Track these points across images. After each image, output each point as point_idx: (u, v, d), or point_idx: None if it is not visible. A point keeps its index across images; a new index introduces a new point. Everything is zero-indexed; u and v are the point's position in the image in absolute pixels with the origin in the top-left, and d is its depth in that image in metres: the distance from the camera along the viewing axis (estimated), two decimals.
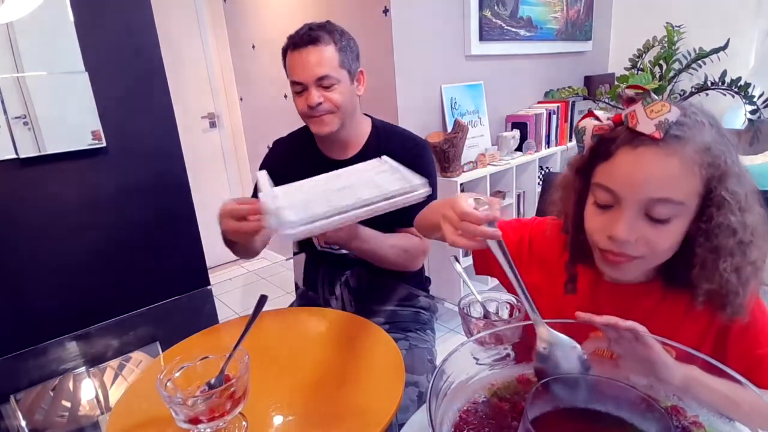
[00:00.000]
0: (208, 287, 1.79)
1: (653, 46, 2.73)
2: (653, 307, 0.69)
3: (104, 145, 1.58)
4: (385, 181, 0.91)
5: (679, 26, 2.62)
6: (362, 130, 1.26)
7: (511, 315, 0.70)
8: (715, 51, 2.48)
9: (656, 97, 0.58)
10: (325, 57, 1.11)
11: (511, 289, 0.78)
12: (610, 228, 0.61)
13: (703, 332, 0.67)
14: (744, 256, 0.60)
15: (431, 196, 1.21)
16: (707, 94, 2.53)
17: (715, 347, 0.66)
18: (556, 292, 0.76)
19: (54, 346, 1.03)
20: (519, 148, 2.54)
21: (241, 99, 3.27)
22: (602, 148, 0.62)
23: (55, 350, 1.03)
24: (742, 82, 2.38)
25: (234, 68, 3.22)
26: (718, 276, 0.60)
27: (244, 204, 0.90)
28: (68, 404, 0.88)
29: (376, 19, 2.04)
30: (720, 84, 2.45)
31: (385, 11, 2.00)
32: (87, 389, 0.93)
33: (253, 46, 2.95)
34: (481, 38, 2.32)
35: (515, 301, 0.70)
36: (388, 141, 1.25)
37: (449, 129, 2.24)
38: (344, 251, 1.26)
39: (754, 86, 2.41)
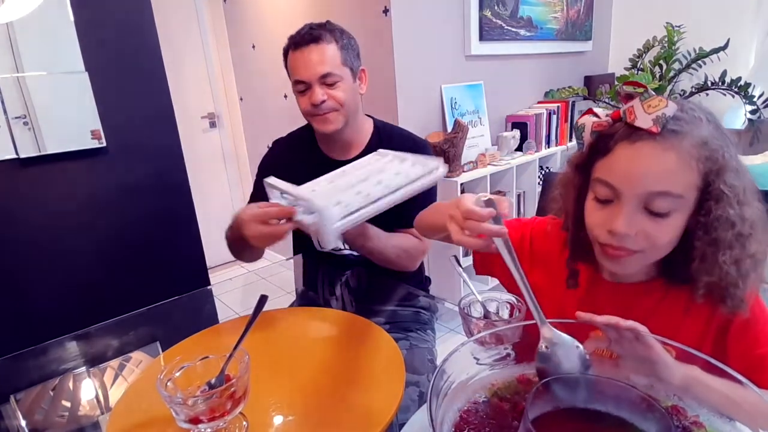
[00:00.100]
0: (208, 287, 1.79)
1: (653, 46, 2.73)
2: (653, 306, 0.69)
3: (104, 145, 1.58)
4: (400, 168, 0.92)
5: (679, 26, 2.62)
6: (364, 131, 1.27)
7: (511, 315, 0.70)
8: (715, 51, 2.48)
9: (653, 92, 0.59)
10: (327, 55, 1.11)
11: (511, 289, 0.78)
12: (610, 222, 0.61)
13: (703, 332, 0.67)
14: (743, 248, 0.61)
15: (431, 197, 1.22)
16: (707, 94, 2.53)
17: (715, 347, 0.67)
18: (556, 291, 0.76)
19: (54, 346, 1.03)
20: (519, 148, 2.54)
21: (241, 99, 3.27)
22: (601, 143, 0.63)
23: (55, 350, 1.03)
24: (742, 82, 2.38)
25: (234, 68, 3.22)
26: (718, 269, 0.61)
27: (272, 207, 0.90)
28: (68, 404, 0.88)
29: (376, 19, 2.04)
30: (720, 84, 2.45)
31: (385, 11, 2.00)
32: (87, 389, 0.93)
33: (253, 46, 2.95)
34: (481, 38, 2.32)
35: (515, 301, 0.70)
36: (389, 141, 1.25)
37: (449, 129, 2.24)
38: (344, 252, 1.26)
39: (754, 86, 2.41)
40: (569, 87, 2.80)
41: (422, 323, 1.22)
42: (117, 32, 1.57)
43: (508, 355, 0.62)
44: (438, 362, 1.06)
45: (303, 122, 1.30)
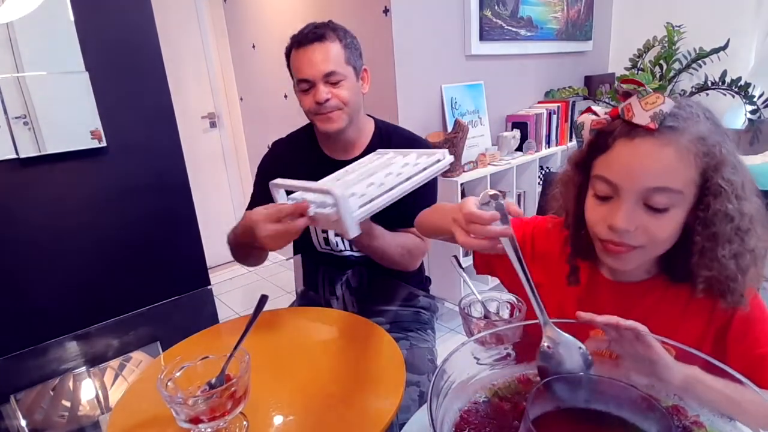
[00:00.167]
0: (209, 287, 1.79)
1: (653, 46, 2.73)
2: (653, 305, 0.69)
3: (104, 145, 1.58)
4: (406, 160, 0.92)
5: (679, 26, 2.62)
6: (366, 130, 1.27)
7: (511, 315, 0.70)
8: (715, 51, 2.48)
9: (651, 90, 0.60)
10: (331, 53, 1.11)
11: (512, 289, 0.78)
12: (610, 218, 0.62)
13: (703, 331, 0.67)
14: (742, 243, 0.61)
15: (432, 197, 1.22)
16: (707, 94, 2.53)
17: (715, 347, 0.67)
18: (556, 289, 0.76)
19: (54, 346, 1.03)
20: (519, 148, 2.54)
21: (241, 99, 3.27)
22: (600, 141, 0.64)
23: (55, 350, 1.03)
24: (742, 82, 2.38)
25: (234, 68, 3.22)
26: (717, 263, 0.61)
27: (284, 205, 0.89)
28: (68, 404, 0.88)
29: (376, 19, 2.04)
30: (720, 84, 2.45)
31: (386, 11, 2.00)
32: (87, 389, 0.93)
33: (253, 46, 2.95)
34: (482, 38, 2.32)
35: (516, 301, 0.70)
36: (390, 141, 1.25)
37: (449, 129, 2.24)
38: (345, 252, 1.26)
39: (754, 86, 2.41)
40: (569, 87, 2.80)
41: (422, 323, 1.22)
42: (117, 32, 1.57)
43: (509, 355, 0.62)
44: (438, 362, 1.06)
45: (303, 122, 1.29)
